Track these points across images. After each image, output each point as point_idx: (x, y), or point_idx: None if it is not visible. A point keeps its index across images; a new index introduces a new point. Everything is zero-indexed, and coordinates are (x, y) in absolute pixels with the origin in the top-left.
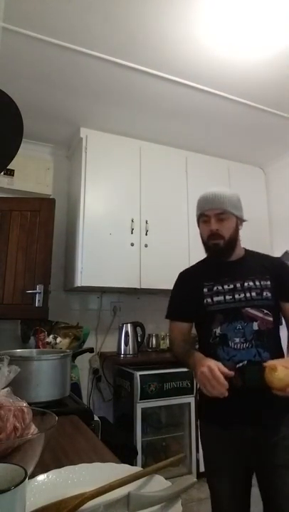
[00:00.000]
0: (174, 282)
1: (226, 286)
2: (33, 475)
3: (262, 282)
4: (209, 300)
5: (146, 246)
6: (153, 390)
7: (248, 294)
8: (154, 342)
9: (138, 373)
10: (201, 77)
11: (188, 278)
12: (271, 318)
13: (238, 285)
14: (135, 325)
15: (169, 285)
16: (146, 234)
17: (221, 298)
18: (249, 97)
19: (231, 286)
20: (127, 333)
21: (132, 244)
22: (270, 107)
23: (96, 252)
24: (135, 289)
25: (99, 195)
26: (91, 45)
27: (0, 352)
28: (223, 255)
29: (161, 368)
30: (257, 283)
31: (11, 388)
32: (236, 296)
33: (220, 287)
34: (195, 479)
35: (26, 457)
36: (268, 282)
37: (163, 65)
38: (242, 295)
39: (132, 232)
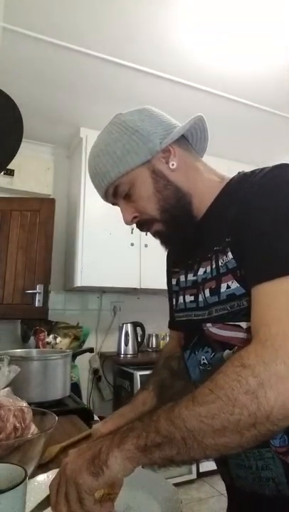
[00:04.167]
0: None
1: (189, 276)
2: (33, 475)
3: (220, 261)
4: (174, 301)
5: (146, 246)
6: None
7: (200, 296)
8: (154, 342)
9: (138, 373)
10: (201, 77)
11: (167, 259)
12: None
13: (199, 274)
14: (135, 325)
15: None
16: (146, 234)
17: (180, 299)
18: (249, 97)
19: (195, 275)
20: (127, 333)
21: (132, 244)
22: (270, 107)
23: (96, 252)
24: (135, 289)
25: (99, 195)
26: (91, 45)
27: (0, 352)
28: (177, 237)
29: None
30: (213, 265)
31: (11, 388)
32: (200, 296)
33: (183, 277)
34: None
35: (26, 457)
36: (229, 256)
37: (163, 66)
38: (201, 296)
39: (132, 232)
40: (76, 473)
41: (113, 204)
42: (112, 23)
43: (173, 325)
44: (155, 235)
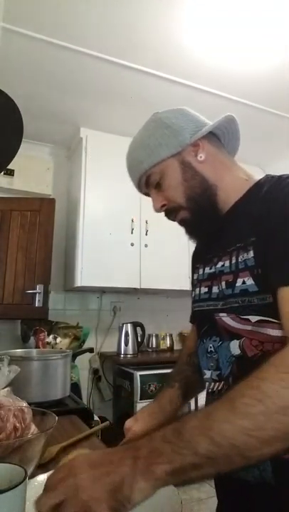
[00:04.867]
0: (174, 282)
1: (206, 269)
2: (33, 475)
3: (239, 257)
4: (193, 294)
5: (146, 246)
6: (153, 390)
7: (215, 288)
8: (154, 342)
9: (138, 373)
10: (201, 77)
11: (192, 257)
12: (269, 333)
13: (217, 267)
14: (135, 325)
15: (169, 285)
16: (146, 234)
17: (197, 291)
18: (249, 97)
19: (212, 268)
20: (127, 333)
21: (132, 244)
22: (270, 107)
23: (96, 252)
24: (135, 289)
25: (99, 195)
26: (91, 45)
27: (0, 352)
28: (202, 228)
29: (161, 368)
30: (233, 260)
31: (11, 388)
32: (214, 288)
33: (201, 271)
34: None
35: (26, 457)
36: (250, 254)
37: (163, 65)
38: (215, 288)
39: (132, 232)
40: (94, 501)
41: (145, 194)
42: (112, 23)
43: (192, 318)
44: (181, 222)
